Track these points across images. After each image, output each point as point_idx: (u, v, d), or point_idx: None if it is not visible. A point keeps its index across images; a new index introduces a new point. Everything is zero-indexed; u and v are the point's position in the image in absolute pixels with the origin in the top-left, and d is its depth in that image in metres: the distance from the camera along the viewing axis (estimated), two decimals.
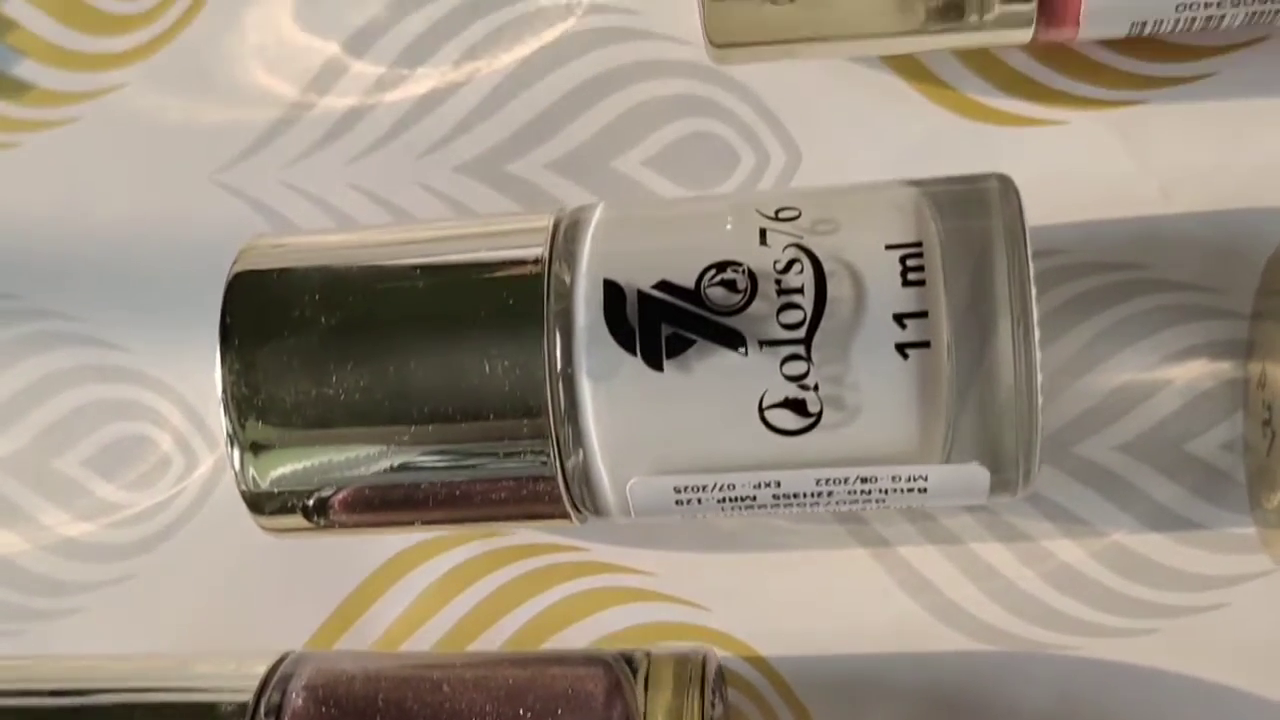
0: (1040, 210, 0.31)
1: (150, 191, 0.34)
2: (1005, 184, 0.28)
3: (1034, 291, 0.27)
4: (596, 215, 0.29)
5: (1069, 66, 0.32)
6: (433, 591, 0.33)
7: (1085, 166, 0.32)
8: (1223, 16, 0.28)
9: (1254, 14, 0.28)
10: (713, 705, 0.29)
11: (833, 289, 0.27)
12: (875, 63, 0.32)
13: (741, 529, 0.32)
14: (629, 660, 0.29)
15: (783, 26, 0.29)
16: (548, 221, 0.29)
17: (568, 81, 0.33)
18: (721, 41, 0.29)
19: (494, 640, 0.33)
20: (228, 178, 0.33)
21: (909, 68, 0.32)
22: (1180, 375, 0.31)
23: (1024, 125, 0.32)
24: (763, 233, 0.28)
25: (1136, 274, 0.32)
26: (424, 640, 0.33)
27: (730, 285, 0.27)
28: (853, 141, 0.32)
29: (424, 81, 0.33)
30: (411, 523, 0.29)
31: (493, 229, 0.29)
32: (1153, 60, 0.32)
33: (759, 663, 0.32)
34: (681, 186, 0.33)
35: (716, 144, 0.33)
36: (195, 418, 0.33)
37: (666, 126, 0.33)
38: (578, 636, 0.32)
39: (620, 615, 0.32)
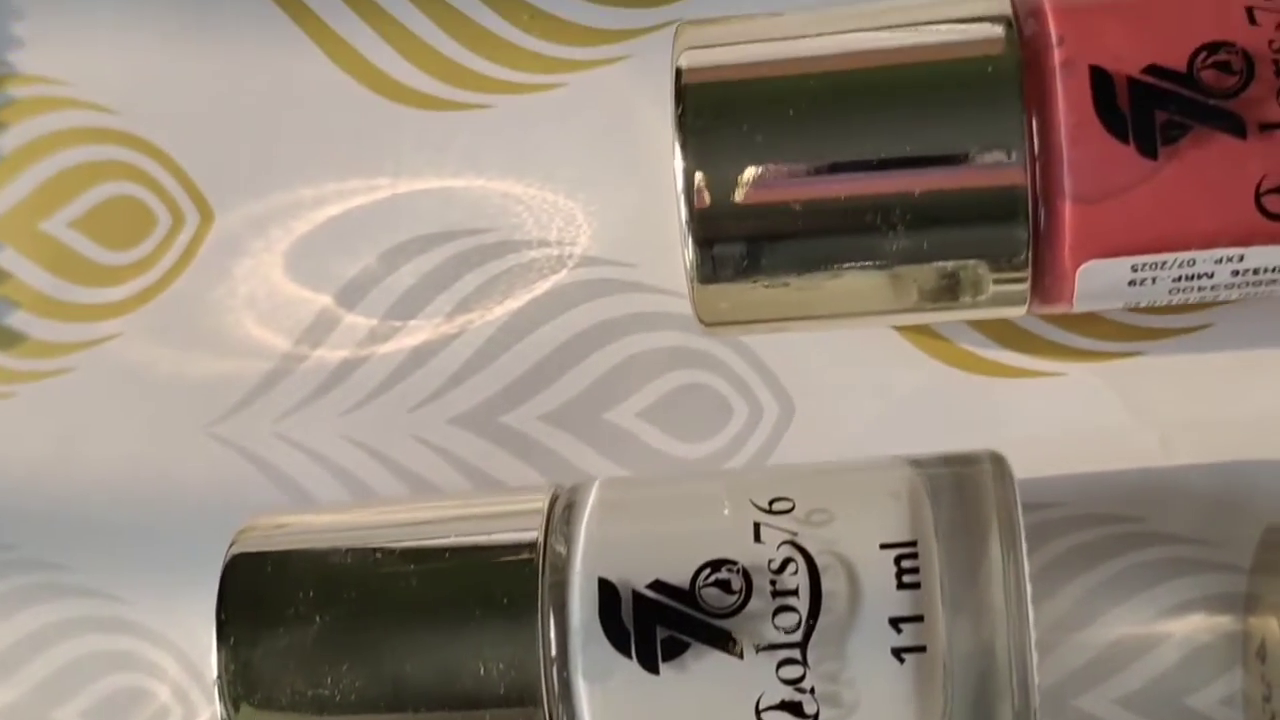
0: (1037, 462, 0.32)
1: (144, 443, 0.33)
2: (999, 467, 0.28)
3: (1028, 582, 0.27)
4: (592, 497, 0.29)
5: (1065, 319, 0.32)
6: None
7: (1082, 418, 0.32)
8: (1216, 296, 0.28)
9: (1248, 293, 0.28)
10: None
11: (827, 584, 0.27)
12: None
13: None
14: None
15: (774, 307, 0.29)
16: (543, 502, 0.29)
17: (560, 333, 0.33)
18: (712, 321, 0.29)
19: None
20: (221, 430, 0.33)
21: None
22: (1179, 629, 0.31)
23: (1021, 377, 0.32)
24: (757, 527, 0.28)
25: (1134, 527, 0.32)
26: None
27: (725, 586, 0.27)
28: (847, 394, 0.32)
29: (416, 334, 0.33)
30: None
31: (487, 509, 0.29)
32: (1149, 312, 0.32)
33: None
34: (676, 439, 0.33)
35: (710, 396, 0.33)
36: (193, 669, 0.33)
37: (660, 379, 0.33)
38: None
39: None
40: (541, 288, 0.33)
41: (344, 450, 0.33)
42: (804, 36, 0.28)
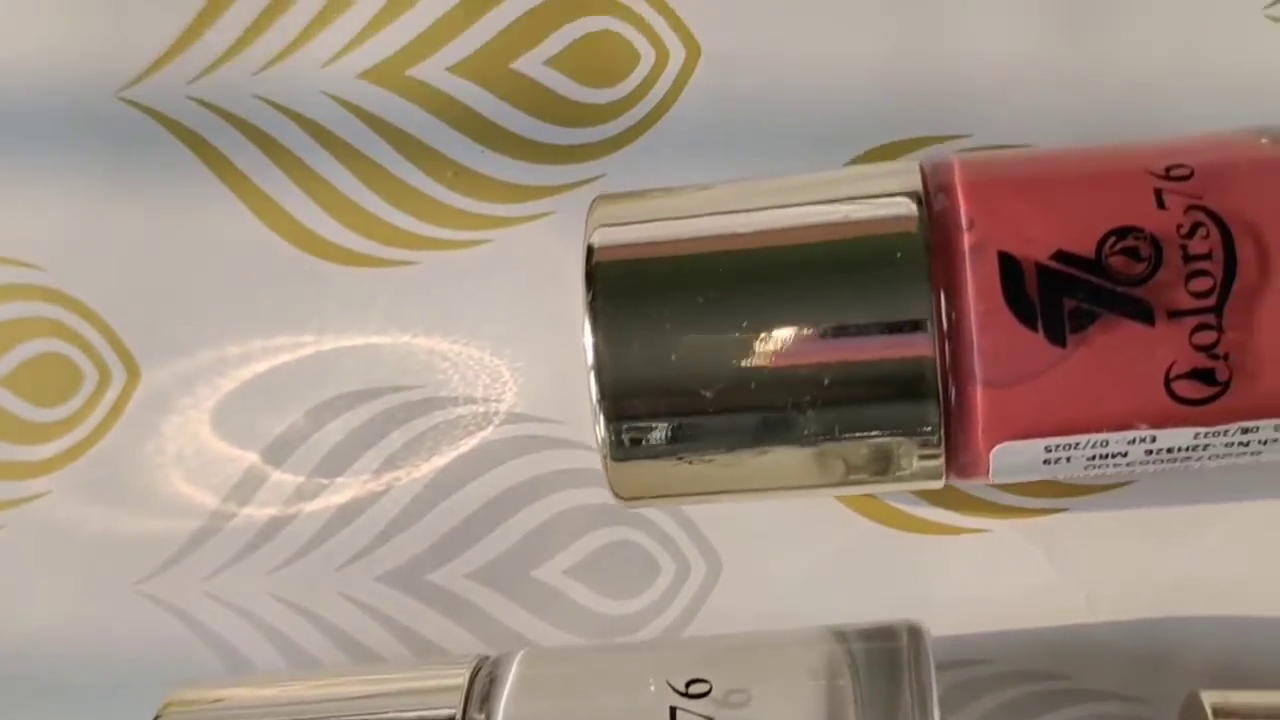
0: (965, 619, 0.32)
1: (74, 601, 0.33)
2: (915, 642, 0.28)
3: None
4: (512, 673, 0.29)
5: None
6: None
7: (1009, 575, 0.32)
8: (1133, 472, 0.28)
9: (1166, 468, 0.28)
10: None
11: None
12: None
13: None
14: None
15: (689, 483, 0.29)
16: (463, 678, 0.29)
17: (487, 490, 0.33)
18: (629, 496, 0.29)
19: None
20: (151, 588, 0.33)
21: None
22: None
23: (948, 534, 0.32)
24: (673, 712, 0.28)
25: (1061, 684, 0.31)
26: None
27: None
28: (775, 551, 0.32)
29: (343, 491, 0.33)
30: None
31: (409, 685, 0.29)
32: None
33: None
34: (604, 596, 0.33)
35: (637, 553, 0.33)
36: None
37: (586, 536, 0.33)
38: None
39: None
40: (468, 444, 0.33)
41: (272, 608, 0.33)
42: (717, 213, 0.28)
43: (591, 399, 0.27)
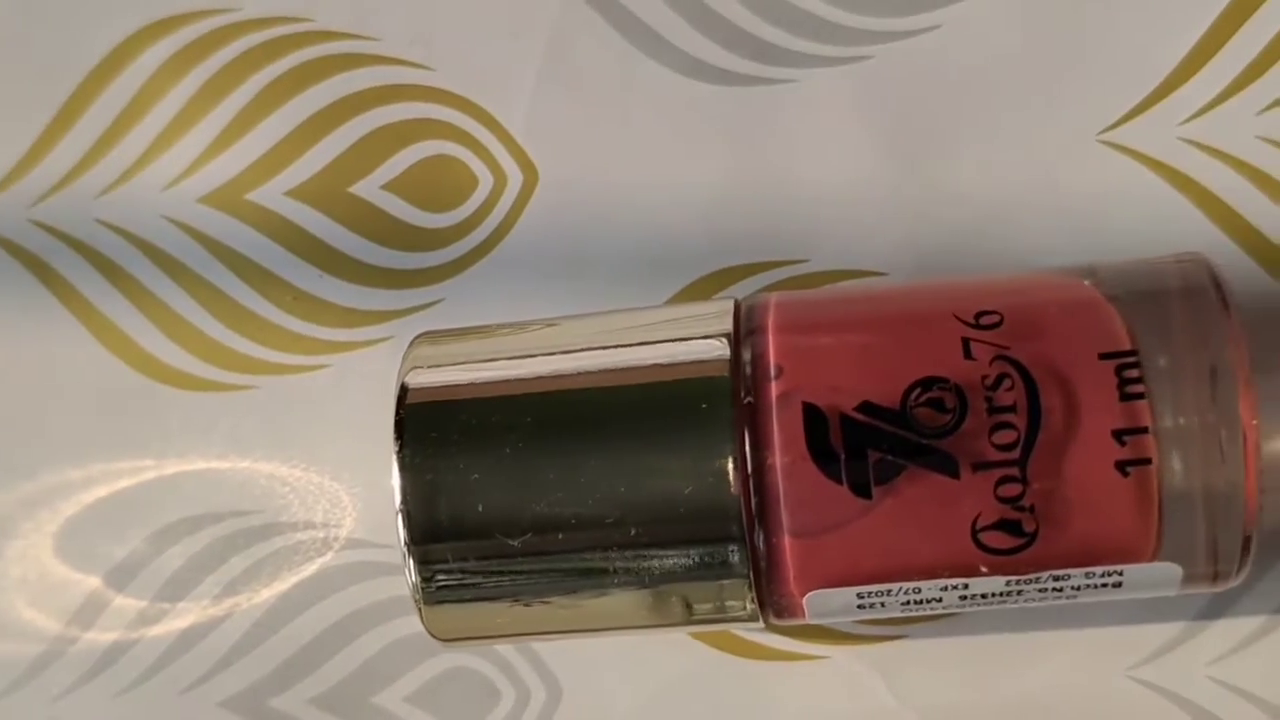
0: None
1: None
2: None
3: None
4: None
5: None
6: None
7: (847, 702, 0.32)
8: (951, 611, 0.28)
9: (983, 609, 0.28)
10: None
11: None
12: None
13: None
14: None
15: (504, 625, 0.29)
16: None
17: (328, 616, 0.33)
18: (446, 638, 0.29)
19: None
20: None
21: None
22: None
23: (787, 660, 0.32)
24: None
25: None
26: None
27: None
28: (615, 677, 0.32)
29: (185, 616, 0.33)
30: None
31: None
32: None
33: None
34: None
35: (477, 680, 0.32)
36: None
37: (426, 662, 0.33)
38: None
39: None
40: (308, 570, 0.33)
41: None
42: (529, 355, 0.28)
43: (400, 542, 0.27)
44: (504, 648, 0.32)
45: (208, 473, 0.33)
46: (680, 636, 0.32)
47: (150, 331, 0.33)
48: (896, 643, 0.32)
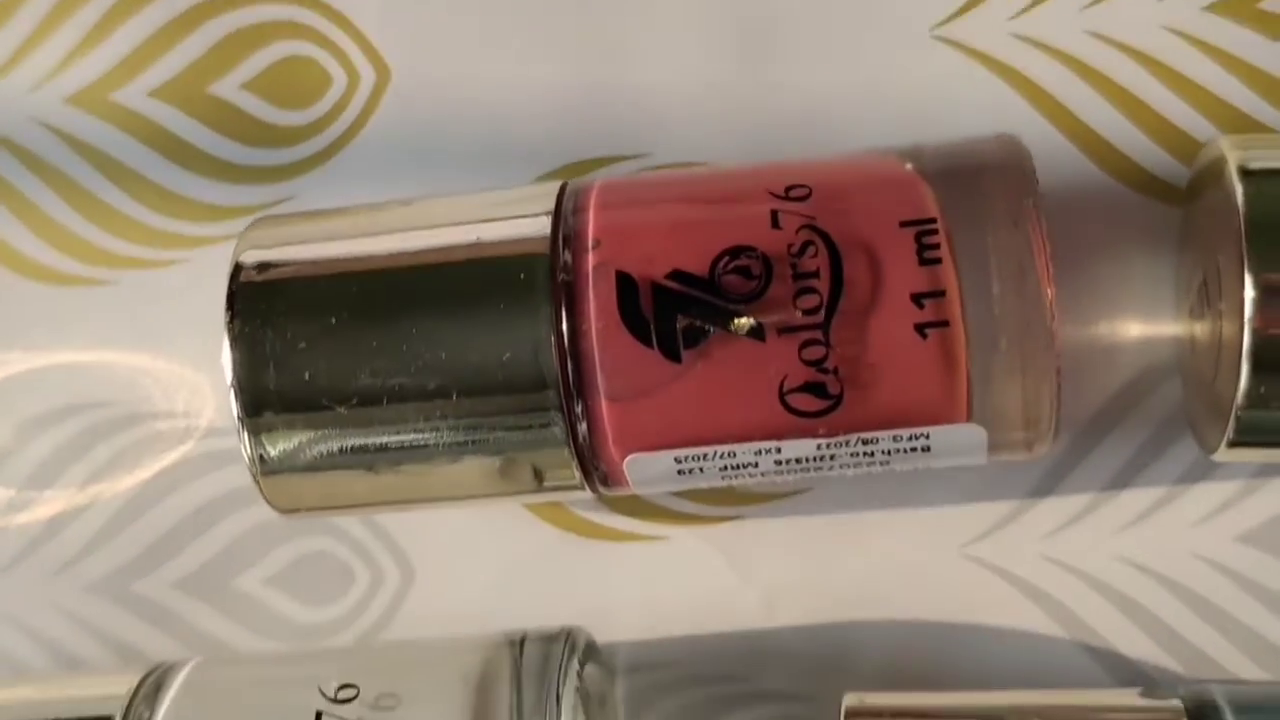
0: (645, 624, 0.33)
1: None
2: (568, 646, 0.29)
3: None
4: (178, 680, 0.30)
5: None
6: None
7: (688, 581, 0.33)
8: (772, 480, 0.29)
9: (801, 477, 0.29)
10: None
11: None
12: None
13: None
14: None
15: (340, 496, 0.29)
16: (131, 684, 0.30)
17: (189, 502, 0.34)
18: (286, 509, 0.30)
19: None
20: None
21: None
22: None
23: (629, 541, 0.33)
24: (318, 715, 0.28)
25: (740, 686, 0.32)
26: None
27: None
28: (467, 559, 0.33)
29: (51, 504, 0.34)
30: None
31: (77, 692, 0.30)
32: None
33: None
34: (301, 604, 0.34)
35: (333, 562, 0.33)
36: None
37: (284, 546, 0.34)
38: None
39: None
40: (169, 458, 0.34)
41: None
42: (361, 235, 0.29)
43: (234, 416, 0.28)
44: (358, 530, 0.33)
45: (72, 365, 0.34)
46: (527, 519, 0.33)
47: (16, 228, 0.34)
48: (736, 523, 0.33)
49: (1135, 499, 0.32)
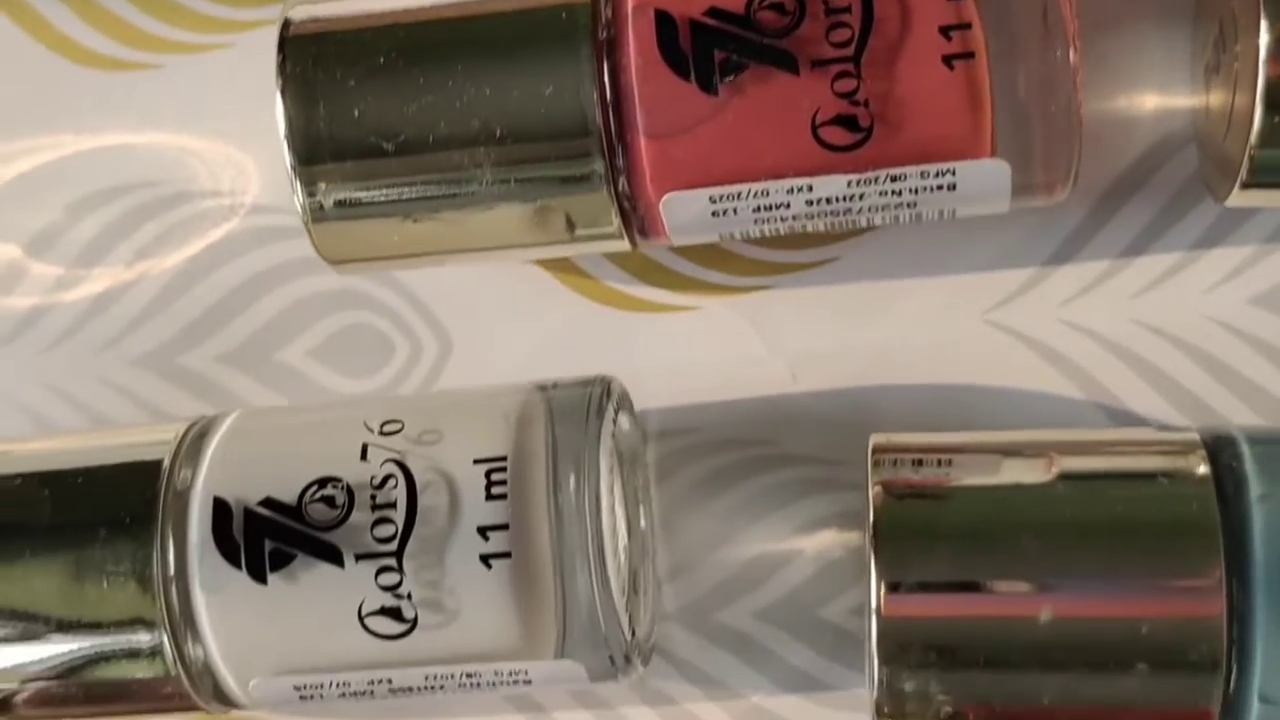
0: (677, 392, 0.34)
1: None
2: (605, 388, 0.30)
3: (609, 479, 0.29)
4: (225, 425, 0.31)
5: (699, 256, 0.34)
6: None
7: (718, 349, 0.34)
8: (803, 226, 0.30)
9: (831, 223, 0.30)
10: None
11: (427, 500, 0.29)
12: None
13: (416, 706, 0.34)
14: None
15: (388, 244, 0.31)
16: (179, 431, 0.31)
17: (233, 278, 0.35)
18: (336, 259, 0.31)
19: None
20: None
21: (552, 260, 0.34)
22: (810, 545, 0.33)
23: (660, 312, 0.34)
24: (364, 448, 0.30)
25: (767, 450, 0.33)
26: None
27: (329, 501, 0.29)
28: (501, 331, 0.34)
29: (99, 281, 0.35)
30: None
31: (128, 438, 0.31)
32: (777, 249, 0.33)
33: None
34: (342, 375, 0.35)
35: (373, 334, 0.34)
36: None
37: (326, 319, 0.35)
38: None
39: None
40: (215, 235, 0.35)
41: (34, 392, 0.35)
42: None
43: (287, 165, 0.29)
44: (397, 303, 0.34)
45: (121, 147, 0.35)
46: (561, 292, 0.34)
47: (66, 15, 0.35)
48: (765, 293, 0.34)
49: (1151, 265, 0.33)
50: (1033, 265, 0.33)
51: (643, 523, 0.33)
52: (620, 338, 0.34)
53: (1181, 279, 0.32)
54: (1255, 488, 0.28)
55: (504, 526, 0.29)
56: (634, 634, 0.31)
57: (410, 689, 0.30)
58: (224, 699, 0.30)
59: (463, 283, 0.34)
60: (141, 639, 0.30)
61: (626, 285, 0.34)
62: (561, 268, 0.34)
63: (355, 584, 0.29)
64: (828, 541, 0.33)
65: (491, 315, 0.34)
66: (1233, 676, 0.28)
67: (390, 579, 0.29)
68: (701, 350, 0.34)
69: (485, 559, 0.29)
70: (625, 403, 0.32)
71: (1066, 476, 0.29)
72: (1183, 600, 0.28)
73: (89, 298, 0.35)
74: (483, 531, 0.29)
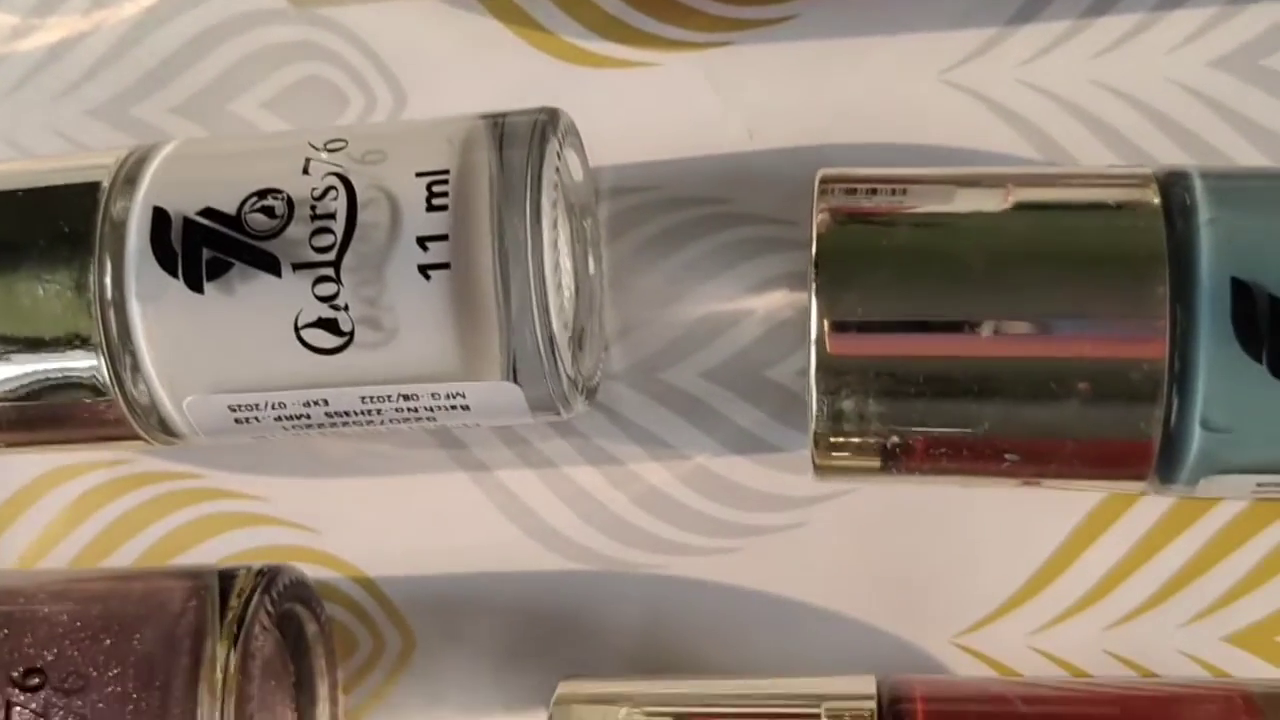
0: (631, 148, 0.33)
1: None
2: (551, 118, 0.30)
3: (552, 211, 0.29)
4: (166, 150, 0.30)
5: (659, 10, 0.33)
6: (62, 518, 0.34)
7: (676, 106, 0.33)
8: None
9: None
10: (269, 609, 0.30)
11: (368, 215, 0.29)
12: (475, 6, 0.34)
13: (351, 455, 0.34)
14: (228, 575, 0.31)
15: None
16: (119, 156, 0.30)
17: (187, 29, 0.34)
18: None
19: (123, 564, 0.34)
20: None
21: (508, 12, 0.34)
22: (761, 305, 0.33)
23: (619, 68, 0.33)
24: (306, 162, 0.29)
25: (722, 208, 0.33)
26: (58, 563, 0.34)
27: (269, 211, 0.29)
28: (455, 83, 0.34)
29: (55, 30, 0.35)
30: None
31: (67, 163, 0.31)
32: (740, 4, 0.33)
33: (366, 583, 0.34)
34: (296, 125, 0.34)
35: (328, 88, 0.34)
36: None
37: (281, 70, 0.34)
38: (198, 560, 0.34)
39: (239, 539, 0.34)
40: None
41: None
42: None
43: None
44: (352, 55, 0.34)
45: None
46: (520, 46, 0.34)
47: None
48: (725, 49, 0.33)
49: (1112, 25, 0.32)
50: (993, 25, 0.33)
51: (591, 272, 0.33)
52: (577, 93, 0.33)
53: (1143, 40, 0.32)
54: (1204, 212, 0.28)
55: (443, 237, 0.28)
56: (576, 368, 0.30)
57: (347, 414, 0.30)
58: (164, 426, 0.30)
59: (419, 35, 0.34)
60: (78, 356, 0.29)
61: (585, 40, 0.34)
62: (518, 20, 0.34)
63: (292, 294, 0.29)
64: (778, 302, 0.33)
65: (447, 69, 0.34)
66: (1174, 404, 0.27)
67: (327, 289, 0.28)
68: (659, 107, 0.33)
69: (424, 270, 0.28)
70: (574, 138, 0.31)
71: (1022, 206, 0.29)
72: (1126, 326, 0.27)
73: (44, 47, 0.35)
74: (422, 242, 0.28)
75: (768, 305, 0.33)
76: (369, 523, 0.34)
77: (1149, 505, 0.32)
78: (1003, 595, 0.32)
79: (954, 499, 0.32)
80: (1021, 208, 0.28)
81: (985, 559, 0.32)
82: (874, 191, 0.29)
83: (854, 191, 0.29)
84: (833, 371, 0.28)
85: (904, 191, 0.29)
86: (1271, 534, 0.32)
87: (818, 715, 0.28)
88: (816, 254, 0.28)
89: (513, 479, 0.33)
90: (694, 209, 0.33)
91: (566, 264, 0.31)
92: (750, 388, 0.33)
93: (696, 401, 0.33)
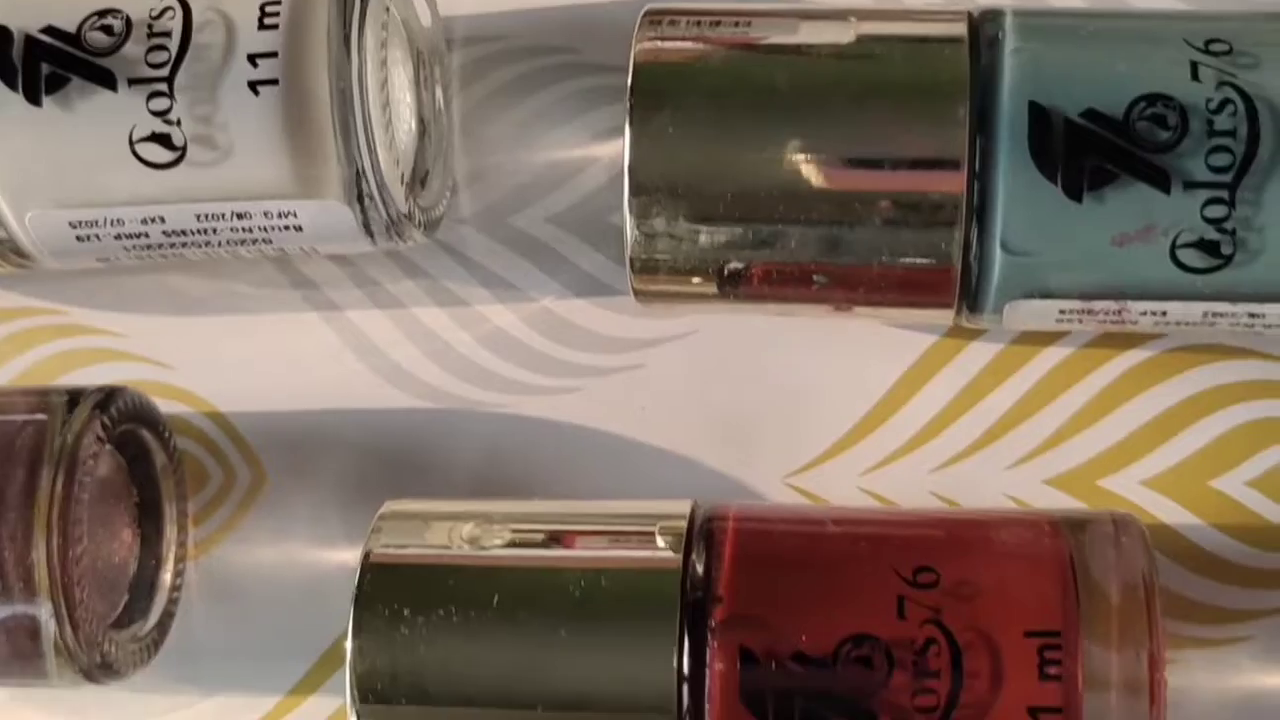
0: None
1: None
2: None
3: (381, 40, 0.30)
4: None
5: None
6: None
7: None
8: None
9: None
10: (106, 425, 0.31)
11: (204, 36, 0.29)
12: None
13: (207, 295, 0.35)
14: (74, 396, 0.32)
15: None
16: None
17: None
18: None
19: None
20: None
21: None
22: (607, 152, 0.34)
23: None
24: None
25: (570, 58, 0.34)
26: None
27: (107, 30, 0.30)
28: None
29: None
30: None
31: None
32: None
33: (218, 418, 0.35)
34: None
35: None
36: None
37: None
38: None
39: (96, 374, 0.35)
40: None
41: None
42: None
43: None
44: None
45: None
46: None
47: None
48: None
49: None
50: None
51: (441, 117, 0.33)
52: None
53: None
54: (1010, 43, 0.28)
55: (273, 54, 0.29)
56: (413, 200, 0.31)
57: (184, 233, 0.30)
58: (13, 246, 0.31)
59: None
60: None
61: None
62: None
63: (127, 109, 0.29)
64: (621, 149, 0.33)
65: None
66: (974, 228, 0.28)
67: (161, 104, 0.29)
68: None
69: (253, 86, 0.29)
70: None
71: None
72: (927, 148, 0.28)
73: None
74: (252, 59, 0.29)
75: (613, 153, 0.33)
76: (223, 359, 0.34)
77: (978, 350, 0.33)
78: (834, 436, 0.33)
79: (790, 345, 0.33)
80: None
81: (818, 401, 0.33)
82: (714, 24, 0.30)
83: (680, 22, 0.30)
84: (644, 192, 0.29)
85: (749, 25, 0.30)
86: (1095, 380, 0.32)
87: (651, 534, 0.29)
88: (632, 79, 0.29)
89: (362, 318, 0.34)
90: (544, 57, 0.34)
91: (408, 99, 0.32)
92: (594, 233, 0.34)
93: (542, 245, 0.34)
